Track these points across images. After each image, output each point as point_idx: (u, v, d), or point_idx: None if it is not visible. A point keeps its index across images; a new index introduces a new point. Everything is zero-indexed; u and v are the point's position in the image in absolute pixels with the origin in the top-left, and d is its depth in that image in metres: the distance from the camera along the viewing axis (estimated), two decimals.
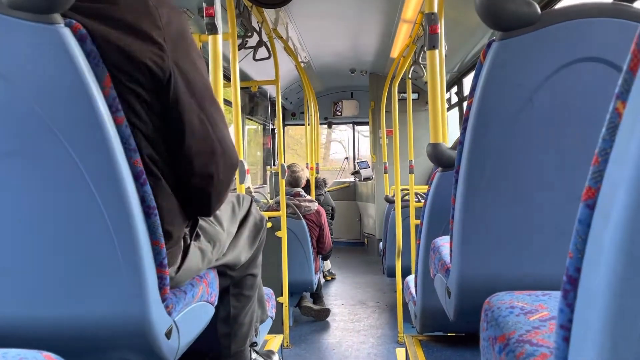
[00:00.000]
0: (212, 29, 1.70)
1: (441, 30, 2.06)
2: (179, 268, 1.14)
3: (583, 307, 0.46)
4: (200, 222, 1.24)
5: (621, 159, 0.40)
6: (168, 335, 1.03)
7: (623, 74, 0.41)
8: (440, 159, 1.60)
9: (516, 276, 1.09)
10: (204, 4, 1.66)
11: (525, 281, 1.07)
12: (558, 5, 2.70)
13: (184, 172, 1.08)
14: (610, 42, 0.95)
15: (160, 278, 1.00)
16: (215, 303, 1.33)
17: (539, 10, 0.97)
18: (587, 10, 0.95)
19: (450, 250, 1.19)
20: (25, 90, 0.86)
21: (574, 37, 0.96)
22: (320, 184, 5.27)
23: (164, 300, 1.02)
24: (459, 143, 1.09)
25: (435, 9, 1.82)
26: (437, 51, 1.77)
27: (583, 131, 1.00)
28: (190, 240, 1.19)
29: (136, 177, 0.94)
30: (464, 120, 1.07)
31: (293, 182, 3.99)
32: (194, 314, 1.18)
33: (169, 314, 1.04)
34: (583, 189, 0.45)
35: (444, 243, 1.47)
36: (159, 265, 1.00)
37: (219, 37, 1.74)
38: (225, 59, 3.27)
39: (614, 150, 0.42)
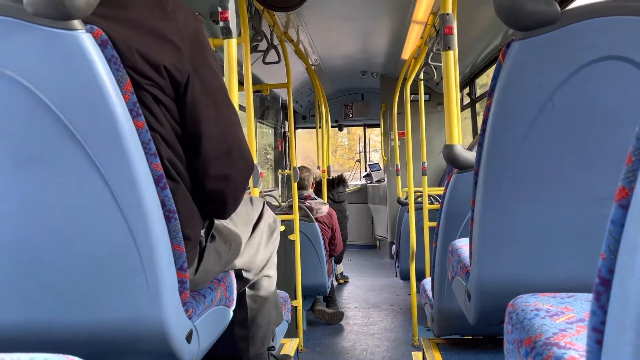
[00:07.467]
0: (227, 33, 1.70)
1: (454, 31, 2.05)
2: (196, 270, 1.14)
3: (617, 309, 0.45)
4: (216, 223, 1.25)
5: None
6: (188, 339, 1.03)
7: None
8: (456, 160, 1.59)
9: (538, 278, 1.08)
10: (219, 8, 1.67)
11: (548, 283, 1.05)
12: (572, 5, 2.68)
13: (200, 175, 1.08)
14: (633, 40, 0.93)
15: (181, 282, 1.01)
16: (233, 306, 1.33)
17: (559, 9, 0.96)
18: (609, 8, 0.94)
19: (470, 253, 1.18)
20: (47, 97, 0.87)
21: (595, 35, 0.94)
22: (342, 180, 5.28)
23: (184, 304, 1.02)
24: (478, 144, 1.09)
25: (450, 10, 1.80)
26: (451, 52, 1.75)
27: (605, 131, 0.98)
28: (206, 242, 1.19)
29: (157, 182, 0.95)
30: (483, 121, 1.06)
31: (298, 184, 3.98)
32: (213, 317, 1.18)
33: (189, 317, 1.04)
34: (605, 190, 0.45)
35: (462, 245, 1.46)
36: (179, 269, 1.00)
37: (234, 41, 1.74)
38: (237, 62, 3.28)
39: None
